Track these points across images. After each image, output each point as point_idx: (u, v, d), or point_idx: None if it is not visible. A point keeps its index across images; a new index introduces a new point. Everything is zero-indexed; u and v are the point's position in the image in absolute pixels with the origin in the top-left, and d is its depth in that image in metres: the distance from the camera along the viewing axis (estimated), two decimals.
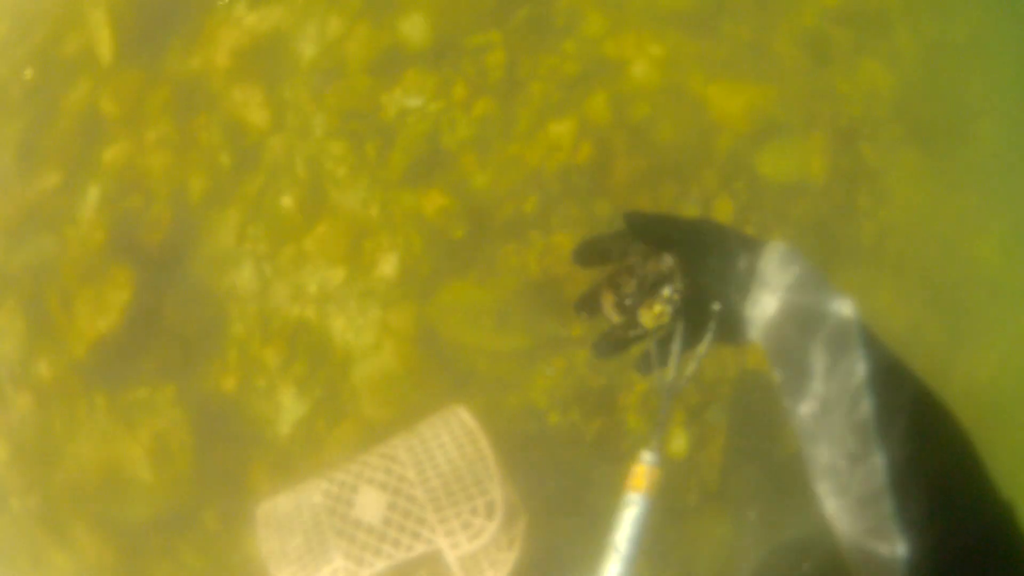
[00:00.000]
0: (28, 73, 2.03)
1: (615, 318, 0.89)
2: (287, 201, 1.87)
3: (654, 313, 0.86)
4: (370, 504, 1.67)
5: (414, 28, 1.89)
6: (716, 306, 0.83)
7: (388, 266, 1.79)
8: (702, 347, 0.85)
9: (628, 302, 0.88)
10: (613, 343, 0.88)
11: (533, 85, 1.85)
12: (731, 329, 0.83)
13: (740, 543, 1.86)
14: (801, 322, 0.78)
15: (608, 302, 0.90)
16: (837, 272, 1.98)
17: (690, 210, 1.94)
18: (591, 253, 0.88)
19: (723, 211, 1.92)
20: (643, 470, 1.43)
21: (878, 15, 2.16)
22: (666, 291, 0.85)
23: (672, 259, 0.84)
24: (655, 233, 0.85)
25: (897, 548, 0.68)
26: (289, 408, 1.81)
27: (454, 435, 1.71)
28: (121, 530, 1.99)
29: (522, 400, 1.76)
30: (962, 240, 2.07)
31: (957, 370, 1.99)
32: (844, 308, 0.77)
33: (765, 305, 0.80)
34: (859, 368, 0.74)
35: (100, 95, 2.00)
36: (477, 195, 1.80)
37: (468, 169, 1.81)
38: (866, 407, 0.72)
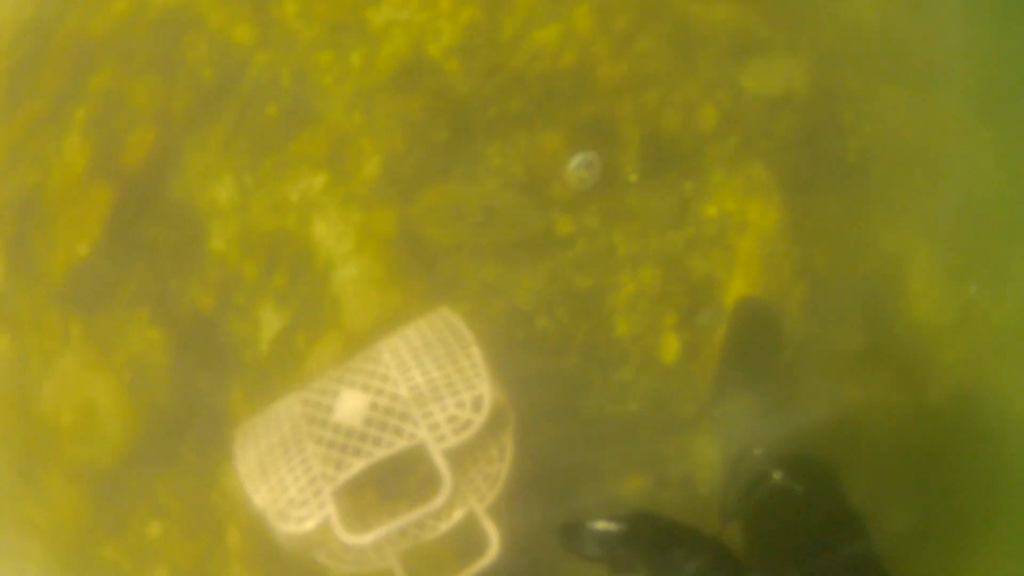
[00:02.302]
0: (27, 11, 2.08)
1: None
2: (271, 111, 1.84)
3: None
4: (350, 406, 1.56)
5: None
6: None
7: (370, 169, 1.75)
8: None
9: None
10: None
11: None
12: None
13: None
14: None
15: None
16: (825, 190, 1.95)
17: (673, 119, 1.92)
18: None
19: (707, 119, 1.90)
20: None
21: None
22: None
23: None
24: None
25: None
26: (268, 323, 1.74)
27: (439, 333, 1.63)
28: (97, 473, 1.89)
29: (508, 304, 1.68)
30: (952, 171, 2.03)
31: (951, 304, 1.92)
32: None
33: None
34: None
35: (91, 23, 2.03)
36: (461, 99, 1.77)
37: (452, 74, 1.78)
38: None
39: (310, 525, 1.43)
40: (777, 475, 1.44)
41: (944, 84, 2.03)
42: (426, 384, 1.56)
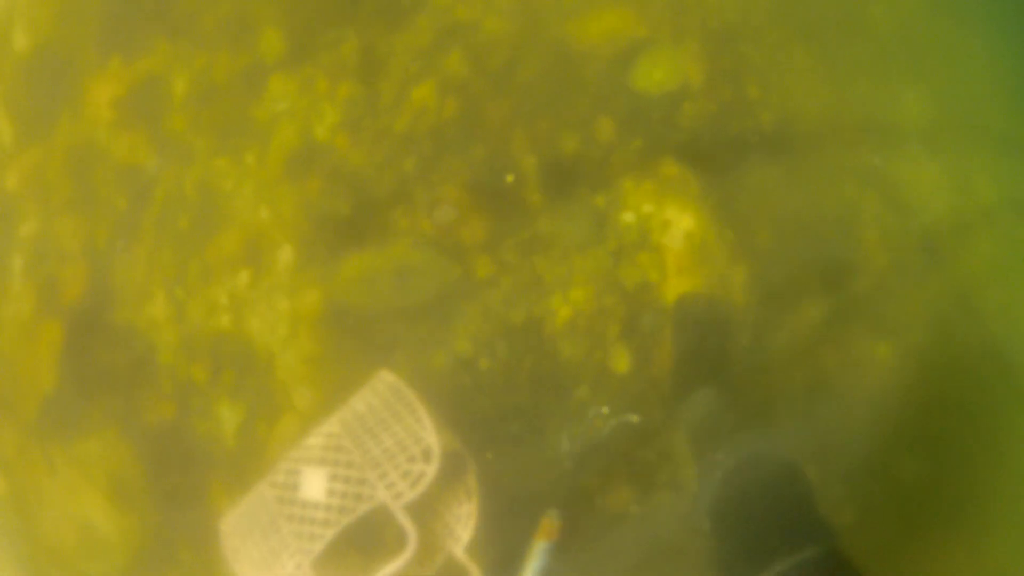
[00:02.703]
0: None
1: None
2: (183, 223, 1.95)
3: None
4: (312, 481, 1.70)
5: (270, 42, 2.02)
6: None
7: (286, 257, 1.85)
8: None
9: None
10: None
11: (391, 62, 1.94)
12: None
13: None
14: None
15: None
16: (747, 167, 1.98)
17: (570, 139, 1.97)
18: None
19: (605, 130, 1.95)
20: (549, 523, 1.59)
21: None
22: None
23: None
24: None
25: None
26: (227, 419, 1.85)
27: (382, 397, 1.74)
28: None
29: (448, 353, 1.77)
30: (881, 117, 2.05)
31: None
32: None
33: None
34: None
35: (6, 177, 2.15)
36: (356, 171, 1.86)
37: (343, 150, 1.87)
38: None
39: None
40: (746, 471, 1.47)
41: (859, 37, 2.03)
42: (377, 447, 1.69)
